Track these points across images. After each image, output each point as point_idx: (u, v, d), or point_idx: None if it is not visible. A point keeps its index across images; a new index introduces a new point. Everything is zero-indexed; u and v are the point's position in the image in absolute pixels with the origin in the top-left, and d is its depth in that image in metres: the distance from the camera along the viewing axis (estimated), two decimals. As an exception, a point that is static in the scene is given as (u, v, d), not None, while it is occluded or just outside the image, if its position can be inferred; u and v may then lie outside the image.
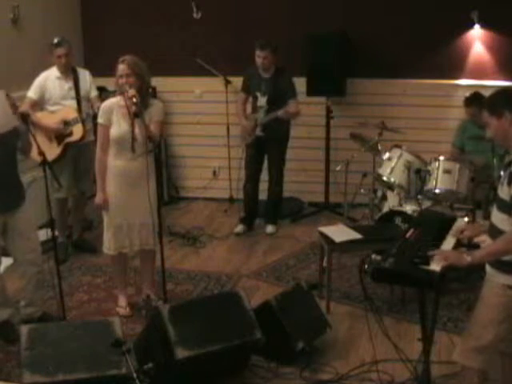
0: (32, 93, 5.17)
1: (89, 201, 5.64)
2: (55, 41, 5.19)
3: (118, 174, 4.25)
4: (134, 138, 4.15)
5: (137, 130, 4.15)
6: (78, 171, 5.43)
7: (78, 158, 5.38)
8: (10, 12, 5.74)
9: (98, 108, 4.95)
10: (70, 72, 5.27)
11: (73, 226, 5.71)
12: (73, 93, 5.26)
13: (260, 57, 5.71)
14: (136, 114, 4.05)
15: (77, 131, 5.22)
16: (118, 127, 4.17)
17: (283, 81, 5.78)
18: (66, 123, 5.17)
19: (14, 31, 5.81)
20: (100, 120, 4.23)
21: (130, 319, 4.41)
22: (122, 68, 4.13)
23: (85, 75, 5.39)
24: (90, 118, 5.35)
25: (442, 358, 3.75)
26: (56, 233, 5.19)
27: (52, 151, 5.06)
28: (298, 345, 3.83)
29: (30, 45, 5.76)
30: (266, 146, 5.96)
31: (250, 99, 5.99)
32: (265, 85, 5.81)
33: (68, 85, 5.25)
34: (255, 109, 5.93)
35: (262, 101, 5.83)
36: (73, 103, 5.25)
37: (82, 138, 5.25)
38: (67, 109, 5.21)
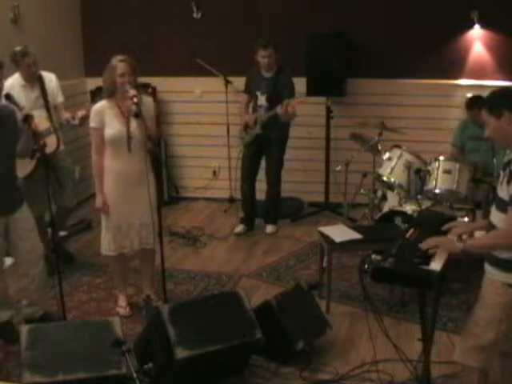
0: None
1: (85, 203, 5.64)
2: (21, 49, 4.79)
3: (116, 175, 4.24)
4: (129, 137, 4.16)
5: (132, 129, 4.15)
6: (52, 184, 4.81)
7: (54, 172, 4.90)
8: (10, 12, 5.74)
9: (74, 118, 4.77)
10: (35, 79, 4.89)
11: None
12: (41, 101, 4.90)
13: (265, 56, 5.71)
14: (136, 113, 4.05)
15: (51, 143, 4.75)
16: (112, 128, 4.16)
17: (283, 80, 5.79)
18: (38, 135, 4.68)
19: (14, 31, 5.81)
20: (92, 124, 4.21)
21: (129, 319, 4.40)
22: (123, 67, 4.12)
23: (50, 80, 5.01)
24: (62, 128, 4.96)
25: (442, 358, 3.75)
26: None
27: (24, 167, 4.53)
28: (298, 345, 3.83)
29: (30, 45, 5.74)
30: (265, 146, 5.95)
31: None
32: (265, 84, 5.82)
33: (35, 93, 4.90)
34: (255, 108, 5.93)
35: (262, 99, 5.83)
36: (42, 112, 4.87)
37: (57, 148, 4.86)
38: (38, 120, 4.65)
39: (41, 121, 4.78)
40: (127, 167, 4.22)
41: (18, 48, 4.82)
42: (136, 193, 4.25)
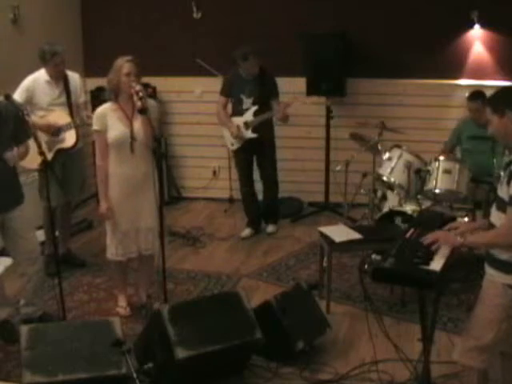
0: (18, 96, 4.72)
1: (86, 203, 5.58)
2: (50, 49, 4.80)
3: (120, 178, 4.21)
4: (133, 138, 4.14)
5: (135, 130, 4.14)
6: (65, 180, 5.00)
7: (66, 166, 5.03)
8: (10, 12, 5.74)
9: (89, 117, 4.81)
10: (61, 77, 4.94)
11: (58, 240, 5.05)
12: (64, 98, 4.94)
13: (248, 68, 5.63)
14: (142, 109, 4.01)
15: (69, 137, 4.89)
16: (115, 130, 4.14)
17: (269, 80, 5.76)
18: (59, 129, 4.85)
19: (14, 31, 5.81)
20: (95, 127, 4.18)
21: (129, 319, 4.40)
22: (129, 66, 4.10)
23: (74, 79, 5.06)
24: (83, 126, 5.03)
25: (442, 358, 3.75)
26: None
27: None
28: (298, 345, 3.83)
29: (30, 45, 5.74)
30: (256, 148, 5.89)
31: (230, 103, 5.89)
32: (249, 87, 5.72)
33: (59, 89, 4.93)
34: (238, 112, 5.81)
35: (248, 102, 5.74)
36: (64, 109, 4.93)
37: (75, 144, 4.94)
38: (60, 113, 4.90)
39: (61, 115, 4.88)
40: (131, 170, 4.19)
41: (46, 46, 4.84)
42: (141, 196, 4.24)
